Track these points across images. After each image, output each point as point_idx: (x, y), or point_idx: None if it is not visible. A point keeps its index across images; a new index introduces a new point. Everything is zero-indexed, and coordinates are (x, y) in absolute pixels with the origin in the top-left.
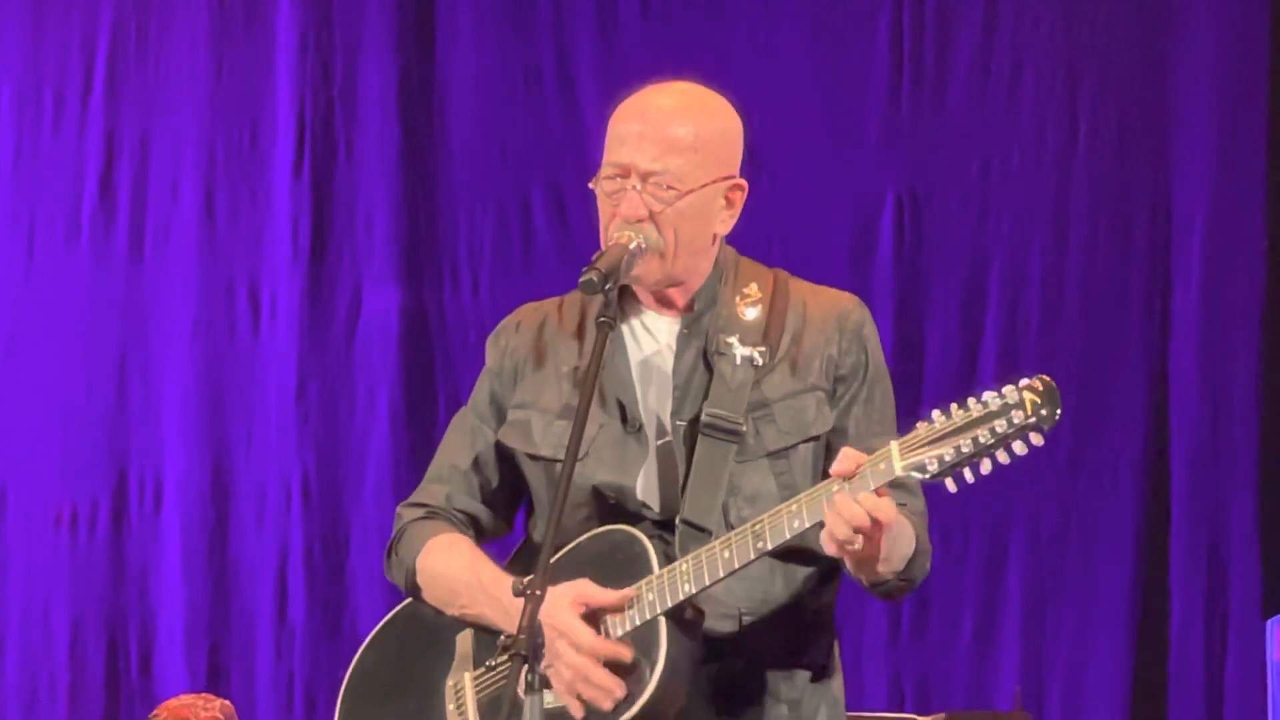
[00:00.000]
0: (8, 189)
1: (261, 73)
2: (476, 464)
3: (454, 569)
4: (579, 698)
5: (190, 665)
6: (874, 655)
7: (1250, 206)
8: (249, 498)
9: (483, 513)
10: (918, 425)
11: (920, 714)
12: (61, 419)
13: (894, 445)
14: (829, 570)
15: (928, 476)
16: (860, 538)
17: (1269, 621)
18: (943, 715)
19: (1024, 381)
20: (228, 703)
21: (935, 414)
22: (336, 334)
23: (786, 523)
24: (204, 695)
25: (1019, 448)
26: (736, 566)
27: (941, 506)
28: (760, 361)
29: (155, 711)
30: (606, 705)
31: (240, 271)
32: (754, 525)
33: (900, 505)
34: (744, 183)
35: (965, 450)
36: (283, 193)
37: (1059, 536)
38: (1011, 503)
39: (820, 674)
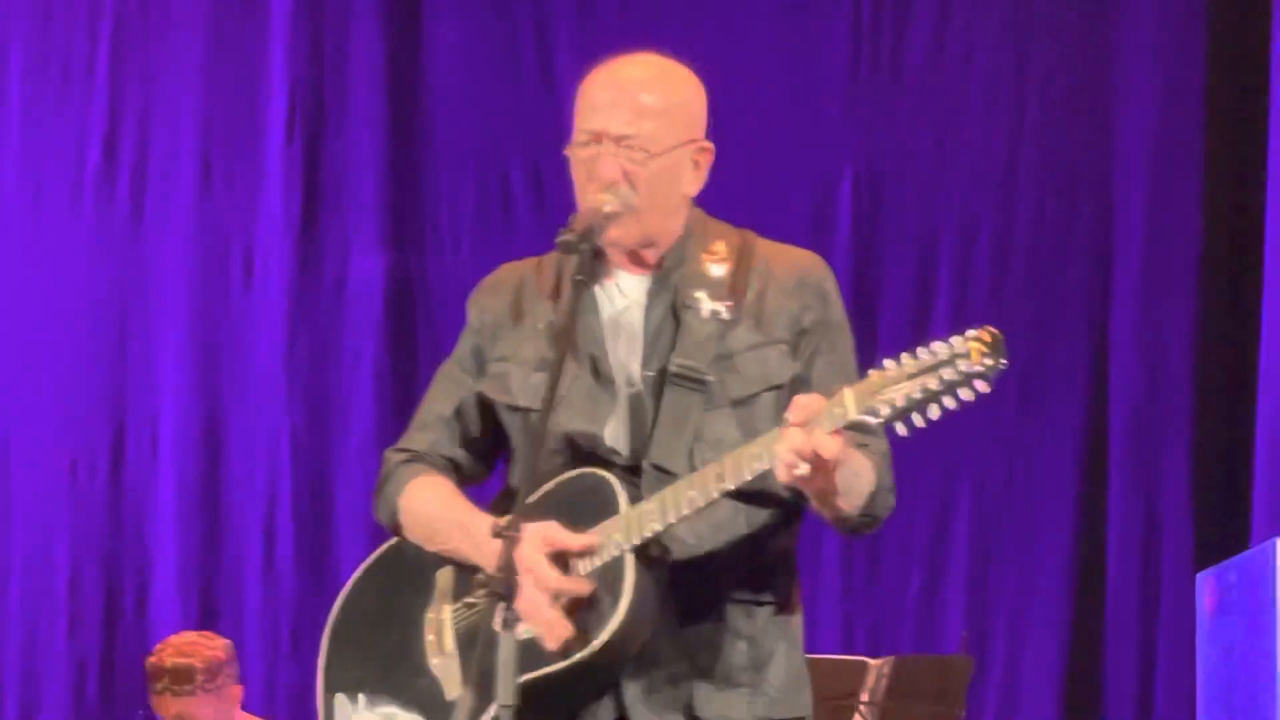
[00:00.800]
0: (16, 155)
1: (256, 47)
2: (458, 413)
3: (435, 508)
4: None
5: (184, 605)
6: (828, 601)
7: (1187, 185)
8: (240, 448)
9: (463, 458)
10: (871, 372)
11: (870, 657)
12: (65, 373)
13: (848, 391)
14: (790, 514)
15: (880, 420)
16: (807, 466)
17: (1199, 575)
18: (891, 658)
19: (971, 332)
20: (229, 642)
21: (888, 362)
22: (325, 295)
23: (747, 463)
24: (206, 634)
25: (966, 394)
26: (700, 505)
27: (896, 464)
28: (726, 315)
29: (159, 647)
30: (552, 645)
31: (235, 235)
32: (716, 466)
33: (862, 445)
34: (710, 146)
35: (916, 396)
36: (275, 161)
37: (1003, 493)
38: (959, 461)
39: (780, 611)
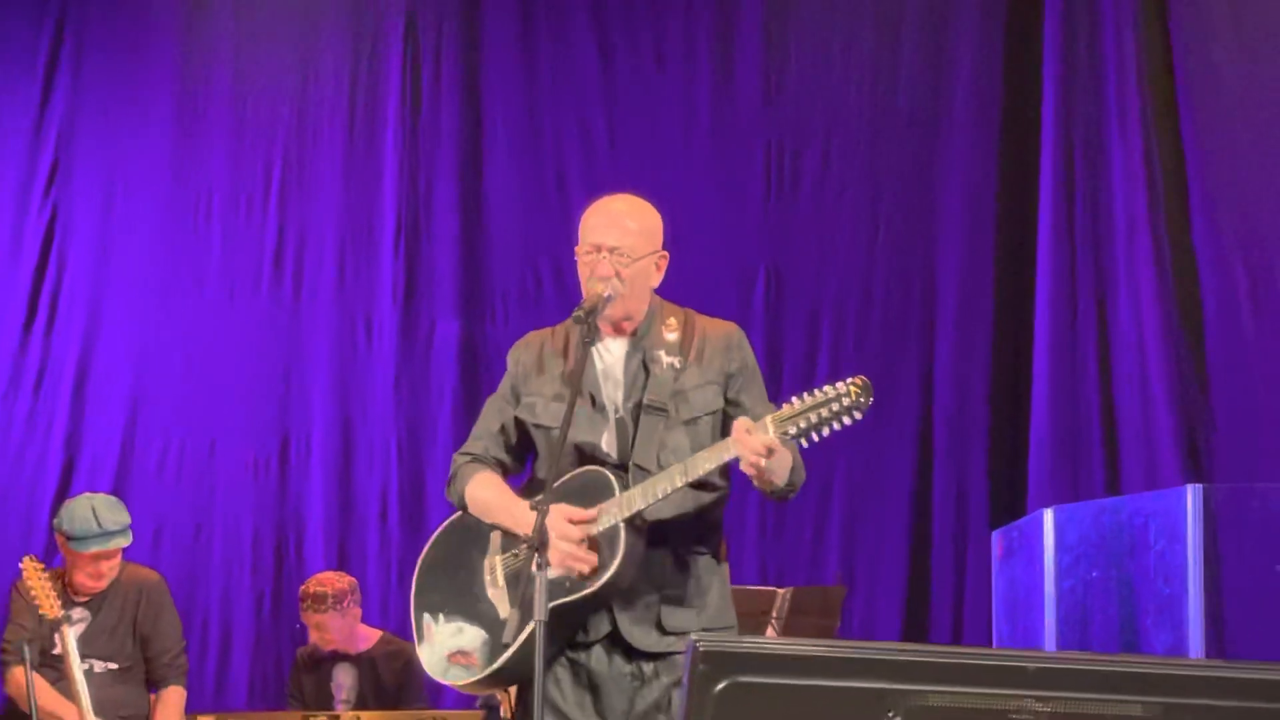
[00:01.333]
0: (218, 259)
1: (375, 186)
2: (502, 428)
3: (490, 495)
4: (569, 570)
5: (326, 555)
6: (750, 550)
7: (983, 279)
8: (364, 452)
9: (505, 458)
10: (783, 405)
11: (777, 586)
12: (250, 401)
13: (769, 419)
14: (720, 496)
15: (789, 437)
16: (761, 460)
17: (994, 532)
18: (791, 588)
19: (850, 379)
20: (354, 579)
21: (794, 398)
22: (419, 350)
23: (701, 464)
24: (337, 572)
25: (847, 420)
26: (669, 492)
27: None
28: (679, 365)
29: (308, 581)
30: (585, 569)
31: (360, 310)
32: (679, 466)
33: (789, 437)
34: (667, 254)
35: (813, 421)
36: (386, 262)
37: (865, 474)
38: (836, 452)
39: (714, 557)
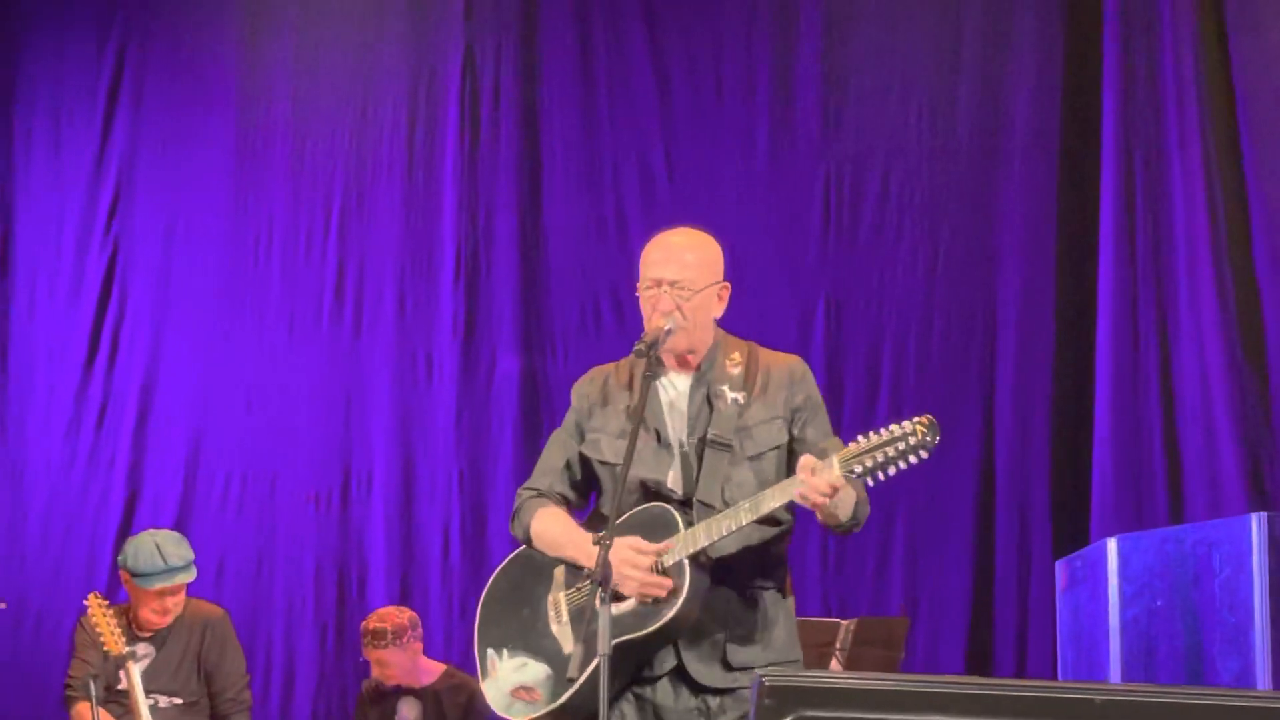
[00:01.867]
0: (278, 293)
1: (434, 221)
2: (567, 464)
3: (555, 529)
4: (645, 597)
5: (389, 589)
6: (812, 582)
7: (1043, 309)
8: (425, 486)
9: (570, 494)
10: (850, 443)
11: (841, 618)
12: (311, 436)
13: (835, 457)
14: (784, 530)
15: (855, 476)
16: (827, 500)
17: (1057, 561)
18: (855, 619)
19: (916, 418)
20: (415, 614)
21: (860, 437)
22: (480, 385)
23: (765, 502)
24: (399, 607)
25: (913, 459)
26: (733, 529)
27: None
28: (742, 401)
29: (368, 617)
30: (661, 593)
31: (420, 345)
32: (745, 504)
33: (855, 476)
34: (728, 285)
35: (879, 460)
36: (446, 296)
37: (928, 505)
38: (898, 486)
39: (779, 592)
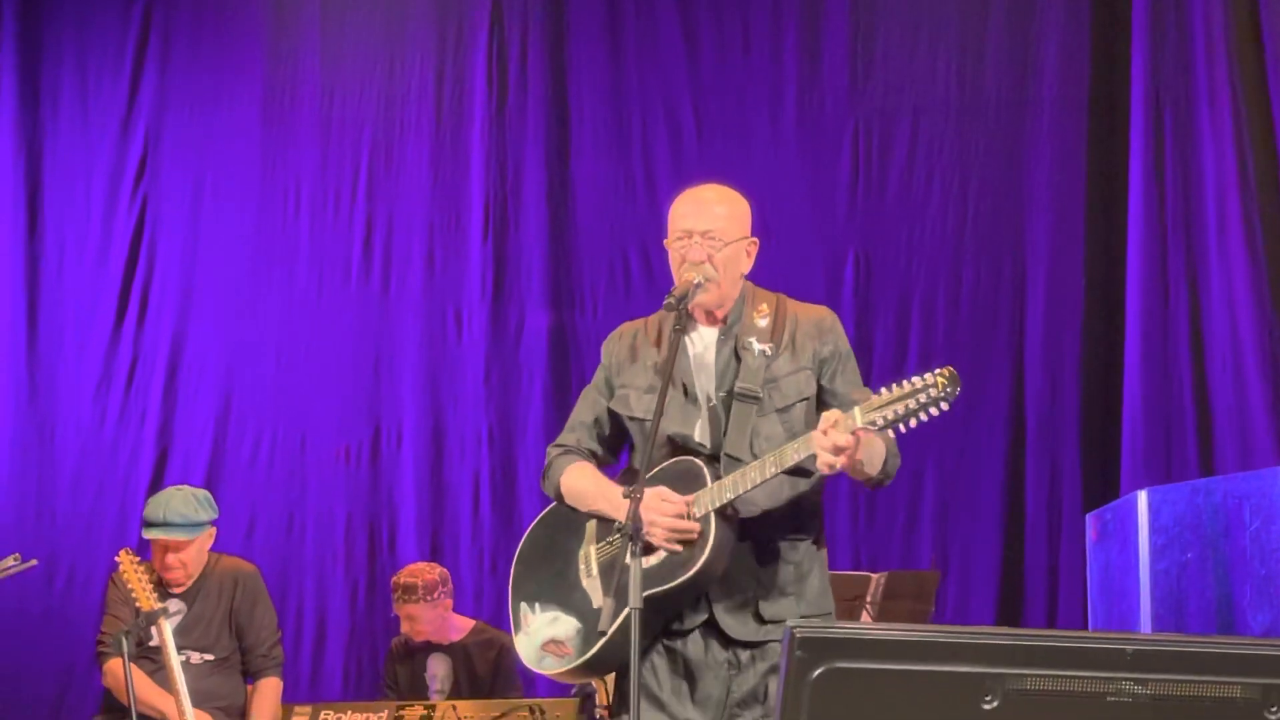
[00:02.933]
0: (306, 253)
1: (462, 178)
2: (596, 420)
3: (586, 484)
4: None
5: (419, 545)
6: (842, 536)
7: (1072, 262)
8: (455, 442)
9: (599, 450)
10: (872, 395)
11: (871, 572)
12: (341, 391)
13: (857, 409)
14: (816, 481)
15: (878, 428)
16: (840, 459)
17: (1088, 515)
18: (885, 573)
19: (937, 370)
20: (445, 570)
21: (881, 389)
22: (509, 341)
23: (790, 455)
24: (429, 563)
25: (934, 411)
26: (759, 482)
27: None
28: (770, 352)
29: (399, 572)
30: (691, 537)
31: (449, 302)
32: (770, 456)
33: (877, 429)
34: (757, 240)
35: (900, 412)
36: (475, 252)
37: (957, 458)
38: (928, 440)
39: (813, 544)
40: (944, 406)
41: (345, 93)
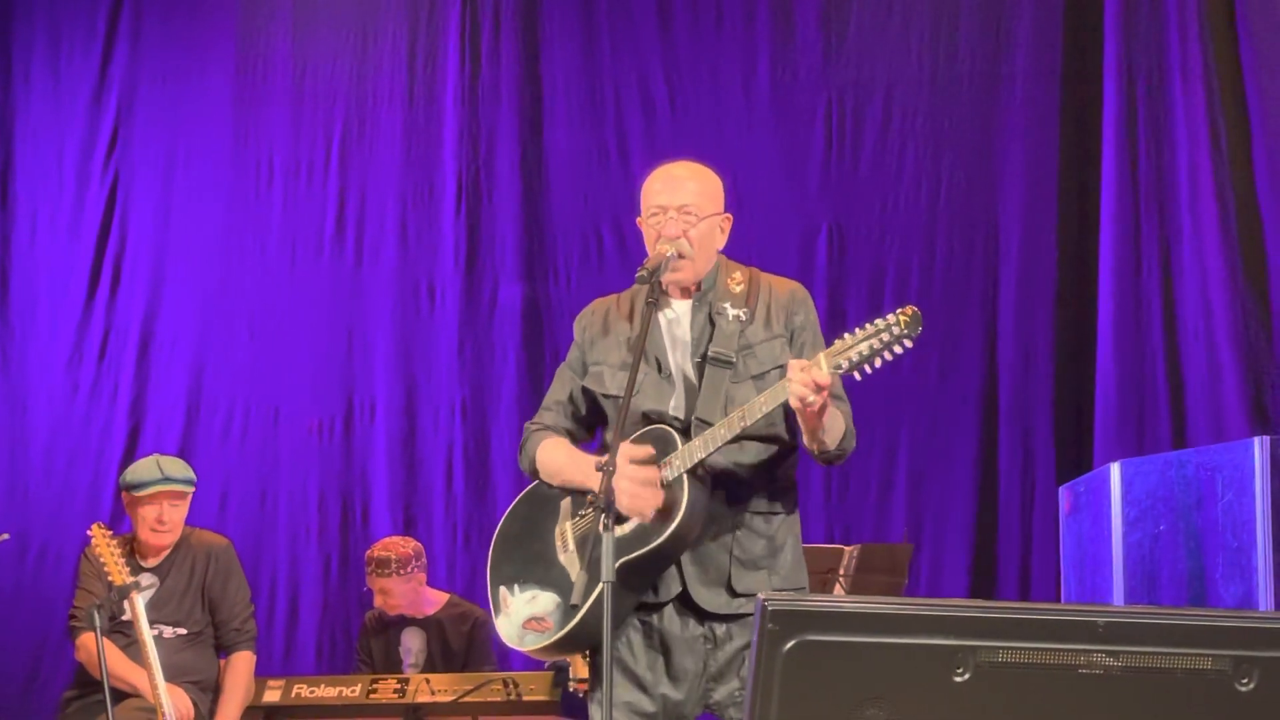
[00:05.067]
0: (279, 225)
1: (435, 150)
2: (570, 398)
3: (558, 455)
4: (636, 510)
5: (392, 518)
6: (815, 509)
7: (1045, 234)
8: (428, 415)
9: (574, 427)
10: (835, 341)
11: (844, 545)
12: (314, 365)
13: (821, 355)
14: (790, 450)
15: (843, 370)
16: (815, 396)
17: (1060, 487)
18: (858, 546)
19: (899, 309)
20: (419, 544)
21: (845, 334)
22: (483, 313)
23: (759, 407)
24: (403, 537)
25: (898, 349)
26: (728, 438)
27: (858, 415)
28: (744, 318)
29: (372, 546)
30: (649, 510)
31: (423, 274)
32: (737, 411)
33: (837, 402)
34: (730, 217)
35: (864, 352)
36: (448, 225)
37: (930, 434)
38: (900, 415)
39: (787, 517)
40: (907, 344)
41: (318, 65)
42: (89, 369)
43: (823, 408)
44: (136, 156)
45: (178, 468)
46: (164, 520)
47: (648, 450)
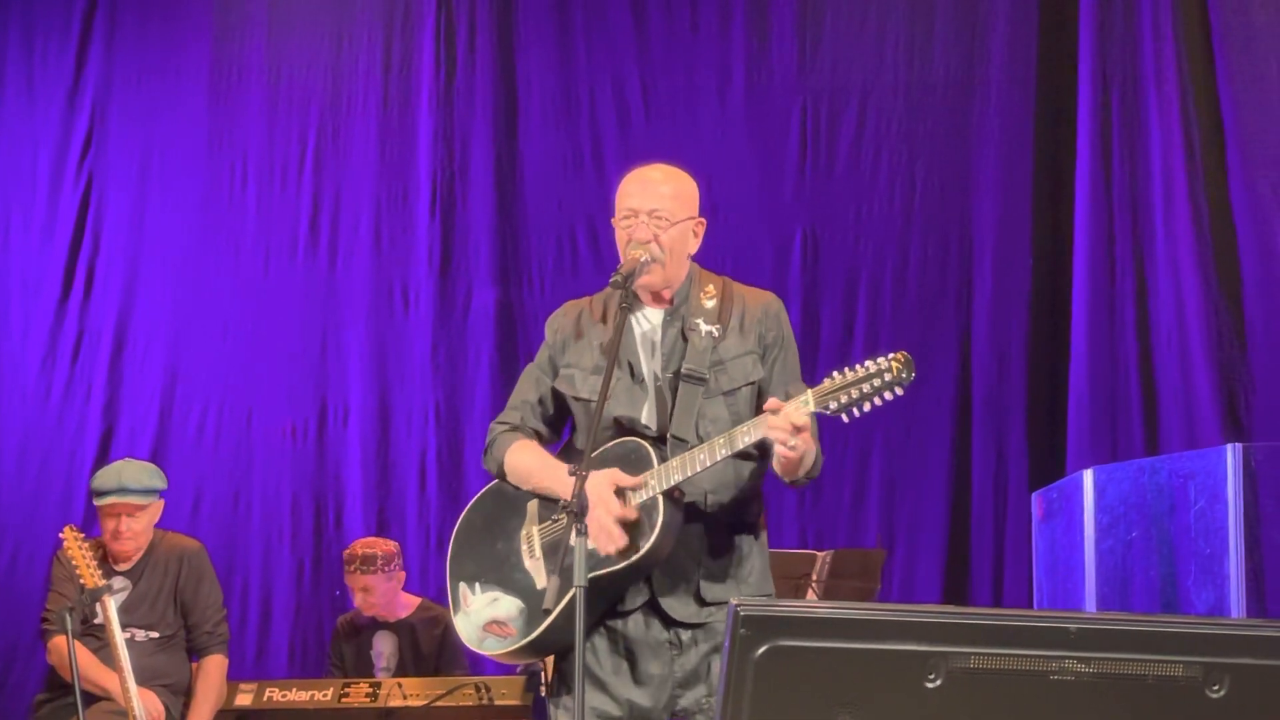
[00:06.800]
0: (253, 226)
1: (410, 154)
2: (540, 399)
3: (528, 460)
4: (600, 545)
5: (365, 522)
6: (789, 514)
7: (1020, 241)
8: (402, 418)
9: (542, 429)
10: (824, 380)
11: (817, 550)
12: (287, 368)
13: (810, 392)
14: (759, 466)
15: (830, 412)
16: (798, 438)
17: (1033, 493)
18: (831, 551)
19: (892, 354)
20: (398, 544)
21: (835, 373)
22: (456, 317)
23: (740, 437)
24: (381, 538)
25: (888, 396)
26: (708, 464)
27: (831, 422)
28: (717, 334)
29: (354, 544)
30: (610, 551)
31: (397, 278)
32: (719, 439)
33: (830, 412)
34: (704, 221)
35: (854, 396)
36: (422, 228)
37: (903, 440)
38: (875, 419)
39: (755, 528)
40: (898, 391)
41: (292, 68)
42: (62, 371)
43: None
44: (111, 158)
45: (139, 476)
46: (120, 531)
47: (634, 479)
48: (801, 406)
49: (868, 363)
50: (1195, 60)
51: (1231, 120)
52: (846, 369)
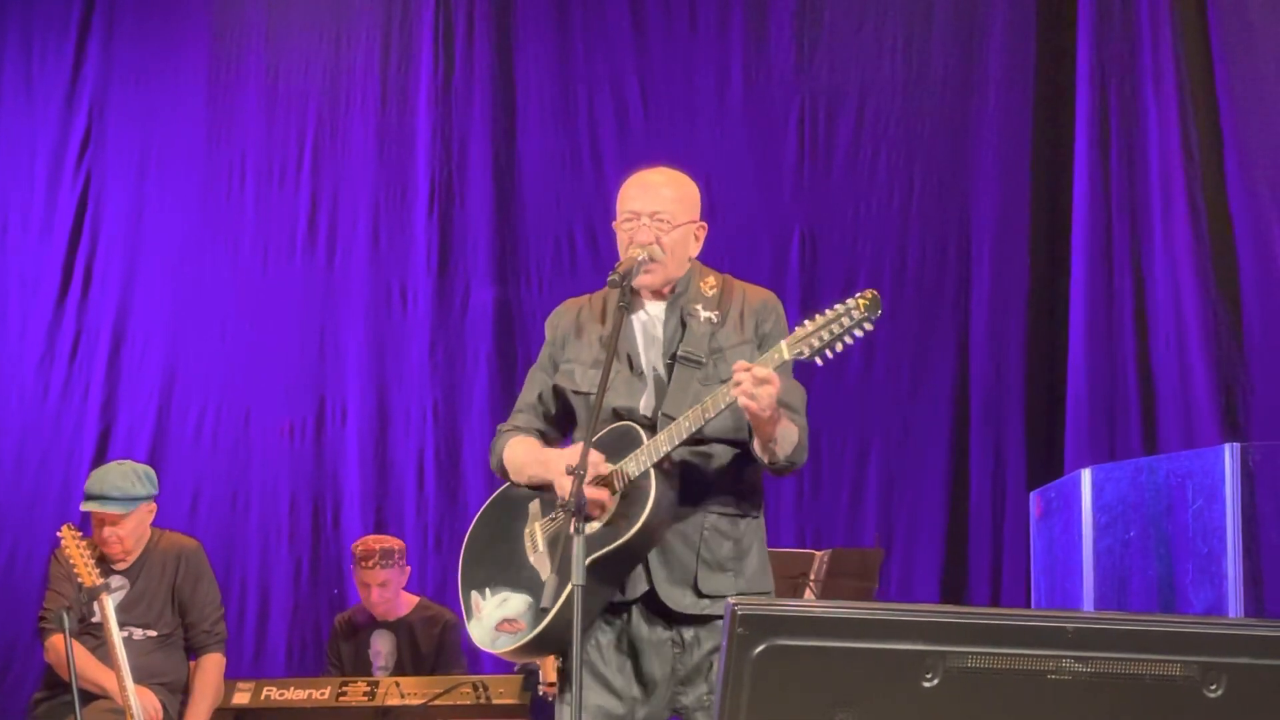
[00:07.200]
0: (251, 226)
1: (408, 153)
2: (540, 398)
3: (521, 453)
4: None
5: (363, 521)
6: (787, 513)
7: (1018, 240)
8: (400, 417)
9: (545, 428)
10: (795, 328)
11: (815, 549)
12: (285, 366)
13: (783, 342)
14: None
15: (804, 356)
16: (763, 391)
17: (1031, 492)
18: (829, 550)
19: (858, 294)
20: (400, 541)
21: (805, 320)
22: (455, 315)
23: (720, 399)
24: (387, 535)
25: (857, 333)
26: (692, 430)
27: (830, 420)
28: (715, 320)
29: (363, 541)
30: (598, 511)
31: (395, 277)
32: (699, 405)
33: (792, 415)
34: (705, 225)
35: (826, 337)
36: (420, 227)
37: (902, 440)
38: (873, 421)
39: (753, 521)
40: (867, 328)
41: (290, 67)
42: (60, 370)
43: (775, 415)
44: (109, 157)
45: (122, 484)
46: (105, 538)
47: (606, 467)
48: (775, 356)
49: (836, 305)
50: (1193, 60)
51: (1230, 120)
52: (817, 314)
